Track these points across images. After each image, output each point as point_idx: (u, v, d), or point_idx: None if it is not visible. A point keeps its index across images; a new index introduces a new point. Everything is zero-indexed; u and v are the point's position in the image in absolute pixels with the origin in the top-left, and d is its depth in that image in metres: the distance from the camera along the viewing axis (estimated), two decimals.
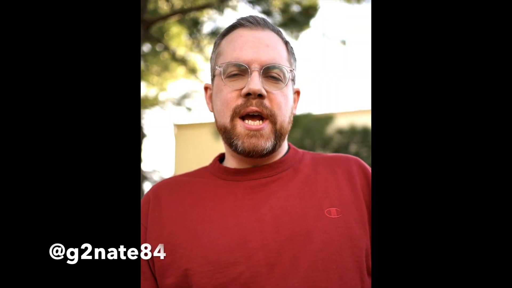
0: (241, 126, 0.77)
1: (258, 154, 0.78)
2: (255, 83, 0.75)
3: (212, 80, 0.86)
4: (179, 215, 0.79)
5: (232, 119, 0.78)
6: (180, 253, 0.74)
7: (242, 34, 0.81)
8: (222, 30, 0.89)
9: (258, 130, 0.77)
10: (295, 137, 5.85)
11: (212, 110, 0.86)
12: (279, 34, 0.84)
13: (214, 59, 0.85)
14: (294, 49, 0.88)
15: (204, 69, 7.97)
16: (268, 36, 0.81)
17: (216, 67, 0.82)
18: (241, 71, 0.77)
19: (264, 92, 0.76)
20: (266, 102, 0.77)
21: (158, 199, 0.83)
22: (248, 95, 0.76)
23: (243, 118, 0.78)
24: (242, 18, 0.84)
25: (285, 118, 0.80)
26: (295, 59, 0.88)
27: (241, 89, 0.77)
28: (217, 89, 0.81)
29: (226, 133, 0.80)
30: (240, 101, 0.77)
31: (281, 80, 0.79)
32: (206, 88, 0.89)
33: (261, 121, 0.78)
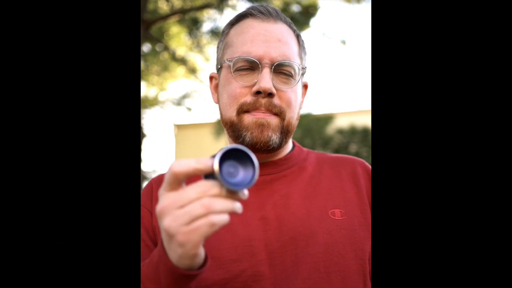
0: (249, 117, 0.75)
1: (265, 146, 0.75)
2: (266, 81, 0.73)
3: (219, 70, 0.83)
4: None
5: (239, 113, 0.76)
6: None
7: (252, 25, 0.78)
8: (230, 19, 0.85)
9: (265, 118, 0.75)
10: (295, 137, 5.85)
11: (217, 101, 0.83)
12: (291, 26, 0.81)
13: (222, 49, 0.82)
14: (304, 42, 0.85)
15: (204, 69, 7.98)
16: (280, 29, 0.78)
17: (225, 60, 0.78)
18: (251, 66, 0.75)
19: (274, 91, 0.74)
20: (275, 100, 0.75)
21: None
22: (258, 93, 0.74)
23: (249, 112, 0.76)
24: (253, 8, 0.80)
25: (293, 114, 0.78)
26: (305, 53, 0.85)
27: (251, 85, 0.75)
28: (225, 81, 0.79)
29: (233, 127, 0.77)
30: (249, 99, 0.75)
31: (291, 77, 0.77)
32: (211, 78, 0.86)
33: (268, 114, 0.76)
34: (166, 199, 0.49)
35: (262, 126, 0.75)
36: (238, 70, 0.76)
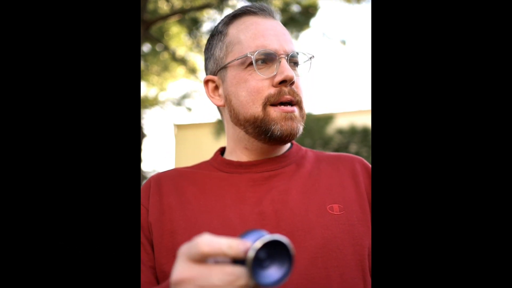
0: (276, 111, 0.76)
1: (293, 137, 0.78)
2: (289, 69, 0.75)
3: (219, 71, 0.82)
4: (179, 204, 0.78)
5: (265, 107, 0.76)
6: (178, 239, 0.73)
7: (256, 21, 0.79)
8: (222, 19, 0.85)
9: (292, 111, 0.77)
10: None
11: (224, 103, 0.82)
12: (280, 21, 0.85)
13: (224, 49, 0.81)
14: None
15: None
16: (279, 25, 0.82)
17: (234, 58, 0.78)
18: (265, 59, 0.77)
19: (295, 79, 0.77)
20: (294, 88, 0.77)
21: (159, 185, 0.82)
22: (281, 83, 0.76)
23: (273, 105, 0.78)
24: (250, 6, 0.81)
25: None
26: None
27: (270, 78, 0.76)
28: (238, 79, 0.78)
29: (258, 122, 0.77)
30: (272, 91, 0.76)
31: (297, 67, 0.81)
32: (207, 81, 0.85)
33: (291, 106, 0.78)
34: (187, 271, 0.46)
35: (290, 119, 0.77)
36: (255, 64, 0.77)
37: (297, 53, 0.80)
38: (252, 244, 0.43)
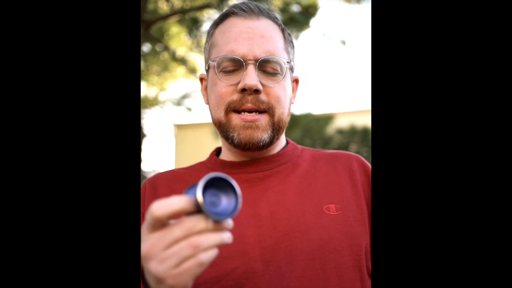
0: (237, 119, 0.75)
1: (255, 146, 0.75)
2: (251, 77, 0.72)
3: (207, 71, 0.82)
4: None
5: (227, 113, 0.75)
6: None
7: (235, 24, 0.77)
8: (215, 19, 0.84)
9: (253, 121, 0.74)
10: (295, 137, 5.85)
11: (207, 102, 0.83)
12: (275, 21, 0.81)
13: (208, 50, 0.82)
14: (291, 35, 0.85)
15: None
16: (263, 25, 0.77)
17: (210, 61, 0.78)
18: (236, 65, 0.74)
19: (260, 87, 0.73)
20: (262, 96, 0.74)
21: (154, 189, 0.81)
22: (243, 90, 0.73)
23: (238, 111, 0.75)
24: (235, 6, 0.80)
25: (284, 110, 0.77)
26: (293, 46, 0.84)
27: (236, 83, 0.74)
28: (212, 82, 0.78)
29: (221, 127, 0.77)
30: (235, 97, 0.74)
31: (278, 73, 0.76)
32: (201, 79, 0.87)
33: (257, 113, 0.75)
34: (149, 241, 0.47)
35: (250, 128, 0.74)
36: (223, 70, 0.75)
37: (271, 59, 0.75)
38: (196, 190, 0.46)
